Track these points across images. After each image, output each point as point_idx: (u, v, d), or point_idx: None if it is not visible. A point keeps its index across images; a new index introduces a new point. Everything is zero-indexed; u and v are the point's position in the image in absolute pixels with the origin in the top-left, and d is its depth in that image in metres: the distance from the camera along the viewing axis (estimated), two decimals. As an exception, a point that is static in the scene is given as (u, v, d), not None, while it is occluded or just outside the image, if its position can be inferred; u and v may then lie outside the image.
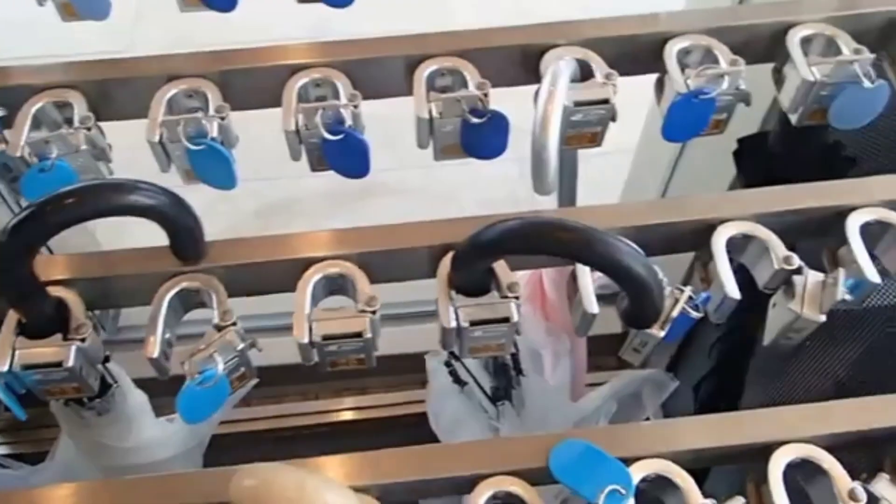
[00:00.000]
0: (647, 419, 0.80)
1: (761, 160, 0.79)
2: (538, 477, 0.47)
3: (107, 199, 0.45)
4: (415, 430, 0.73)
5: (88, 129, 0.54)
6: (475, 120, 0.52)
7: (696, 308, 0.48)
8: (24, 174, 0.54)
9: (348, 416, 1.34)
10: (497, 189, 1.40)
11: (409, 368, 0.91)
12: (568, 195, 0.78)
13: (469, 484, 0.45)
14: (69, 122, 0.55)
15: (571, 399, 0.78)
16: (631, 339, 0.51)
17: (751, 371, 0.91)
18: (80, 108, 0.55)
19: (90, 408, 0.55)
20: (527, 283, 0.82)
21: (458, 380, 0.67)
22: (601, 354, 0.99)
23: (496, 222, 0.45)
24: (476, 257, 0.46)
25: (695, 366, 1.16)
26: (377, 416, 1.33)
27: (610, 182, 1.36)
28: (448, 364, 0.66)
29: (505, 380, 0.65)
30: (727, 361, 0.98)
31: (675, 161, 1.14)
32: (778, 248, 0.51)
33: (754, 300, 0.53)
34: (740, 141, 0.80)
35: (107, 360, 0.53)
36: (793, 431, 0.47)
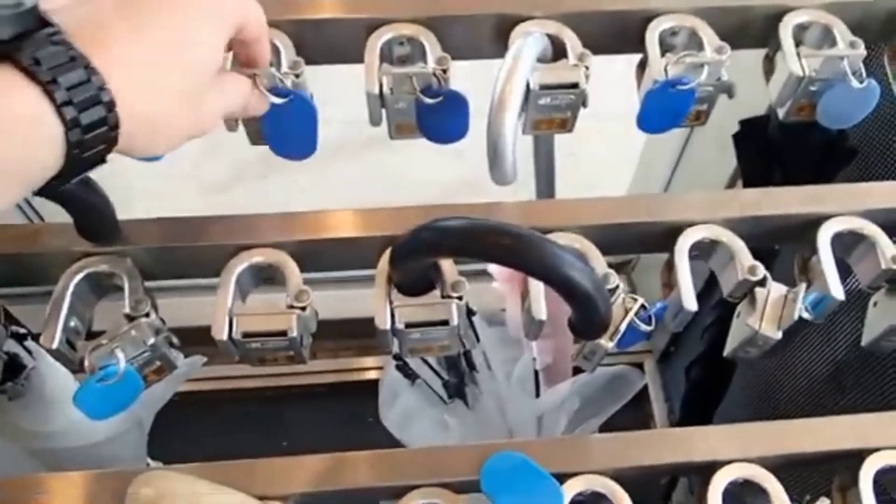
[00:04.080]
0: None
1: (761, 144, 0.86)
2: (472, 488, 0.54)
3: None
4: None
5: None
6: (428, 100, 0.58)
7: (647, 320, 0.55)
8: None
9: (325, 378, 1.53)
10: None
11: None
12: (546, 185, 0.84)
13: (396, 495, 0.53)
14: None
15: (554, 383, 0.86)
16: (581, 347, 0.58)
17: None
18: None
19: (1, 391, 0.61)
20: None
21: (407, 373, 0.74)
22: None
23: (435, 221, 0.50)
24: (411, 257, 0.52)
25: (689, 348, 1.26)
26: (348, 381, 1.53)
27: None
28: (397, 357, 0.73)
29: (457, 375, 0.72)
30: (718, 345, 1.08)
31: (679, 153, 1.22)
32: (744, 256, 0.57)
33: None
34: (741, 123, 0.87)
35: (23, 338, 0.59)
36: (738, 451, 0.54)
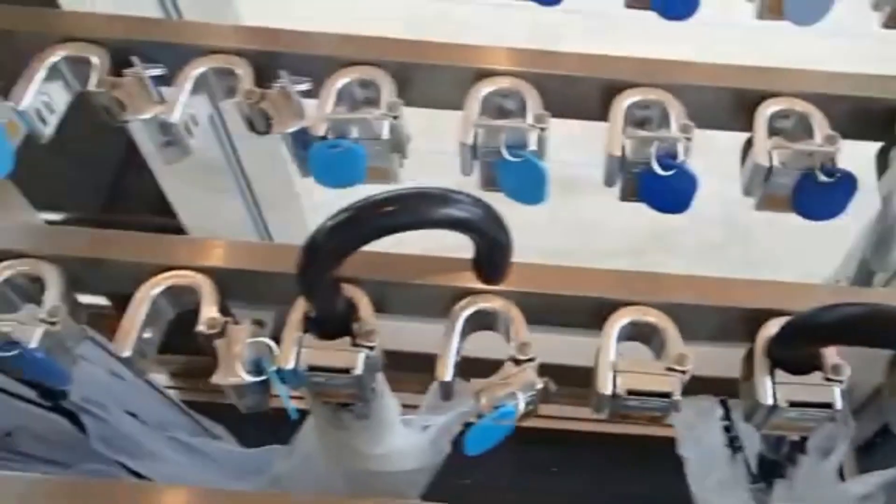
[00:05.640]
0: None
1: None
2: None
3: (428, 210, 0.52)
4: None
5: (395, 117, 0.62)
6: (824, 178, 0.58)
7: None
8: (315, 144, 0.61)
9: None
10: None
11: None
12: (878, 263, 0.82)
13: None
14: (371, 102, 0.64)
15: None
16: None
17: None
18: (387, 92, 0.63)
19: (350, 410, 0.64)
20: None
21: (732, 444, 0.73)
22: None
23: (833, 306, 0.50)
24: (805, 341, 0.52)
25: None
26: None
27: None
28: (727, 429, 0.73)
29: (787, 455, 0.71)
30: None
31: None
32: None
33: None
34: None
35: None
36: None
